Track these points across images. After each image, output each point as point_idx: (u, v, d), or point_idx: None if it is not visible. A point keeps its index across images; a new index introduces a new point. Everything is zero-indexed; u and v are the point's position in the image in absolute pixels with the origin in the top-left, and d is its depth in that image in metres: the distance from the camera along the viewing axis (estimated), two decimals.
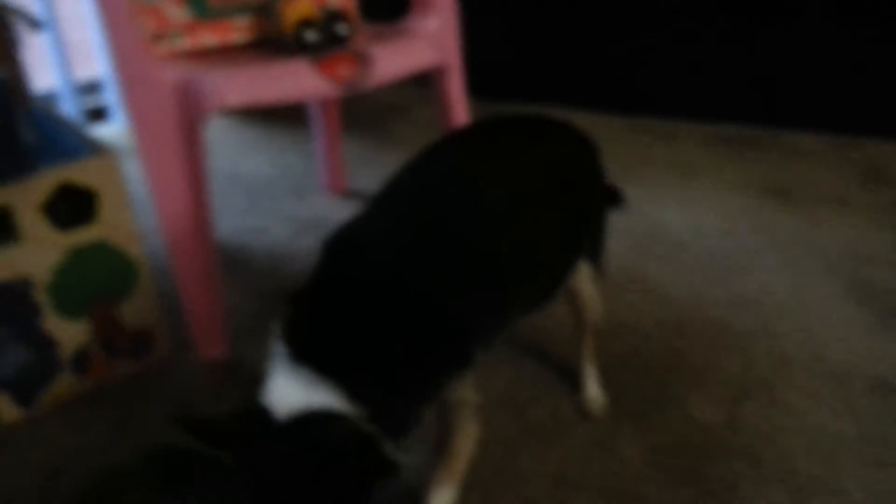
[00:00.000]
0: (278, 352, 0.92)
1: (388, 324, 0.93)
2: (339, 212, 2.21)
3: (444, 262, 1.00)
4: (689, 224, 2.14)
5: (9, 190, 1.30)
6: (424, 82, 1.78)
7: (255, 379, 1.52)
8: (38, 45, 1.61)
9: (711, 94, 2.87)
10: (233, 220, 2.18)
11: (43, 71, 2.41)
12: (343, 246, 1.02)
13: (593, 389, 1.46)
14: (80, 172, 1.37)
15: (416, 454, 1.23)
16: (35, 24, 1.41)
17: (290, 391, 0.88)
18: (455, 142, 1.24)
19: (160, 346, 1.60)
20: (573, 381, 1.50)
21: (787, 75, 2.73)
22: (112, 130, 2.76)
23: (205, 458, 1.27)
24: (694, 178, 2.45)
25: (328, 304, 0.95)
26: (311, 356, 0.90)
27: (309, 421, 0.86)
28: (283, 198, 2.34)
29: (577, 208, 1.30)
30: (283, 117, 2.89)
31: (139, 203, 1.51)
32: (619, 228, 2.07)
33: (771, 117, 2.81)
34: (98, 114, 2.81)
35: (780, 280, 1.85)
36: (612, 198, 1.45)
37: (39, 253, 1.37)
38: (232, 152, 2.62)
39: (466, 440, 1.17)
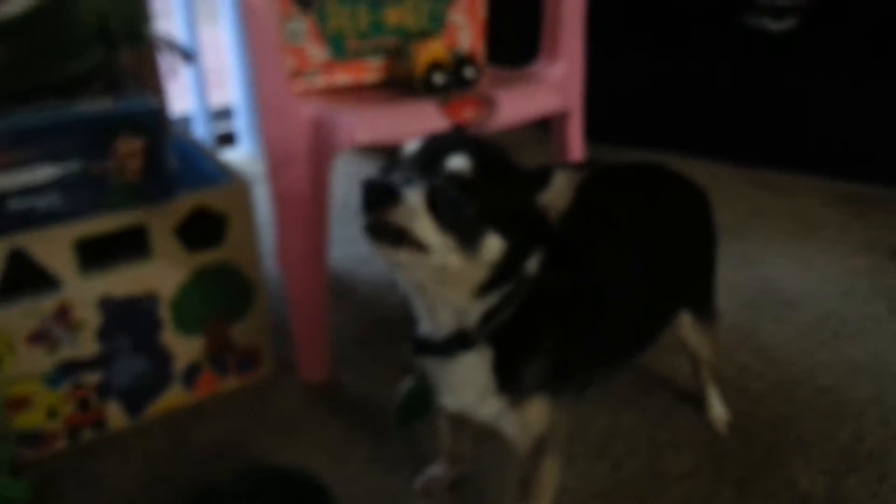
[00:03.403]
0: None
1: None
2: None
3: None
4: (805, 284, 2.06)
5: (149, 210, 1.39)
6: (541, 123, 1.79)
7: (352, 404, 1.58)
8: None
9: (834, 150, 2.77)
10: (342, 248, 2.24)
11: (179, 95, 2.55)
12: None
13: (717, 408, 1.52)
14: (213, 197, 1.46)
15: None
16: (188, 56, 1.52)
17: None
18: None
19: (266, 365, 1.66)
20: (672, 436, 1.46)
21: None
22: (240, 155, 2.90)
23: (300, 479, 1.30)
24: (812, 235, 2.36)
25: None
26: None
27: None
28: None
29: (687, 257, 1.29)
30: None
31: (260, 226, 1.58)
32: (732, 284, 2.01)
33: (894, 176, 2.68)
34: (227, 139, 2.96)
35: None
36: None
37: (168, 271, 1.45)
38: (349, 182, 2.70)
39: (550, 479, 1.16)
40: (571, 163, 1.69)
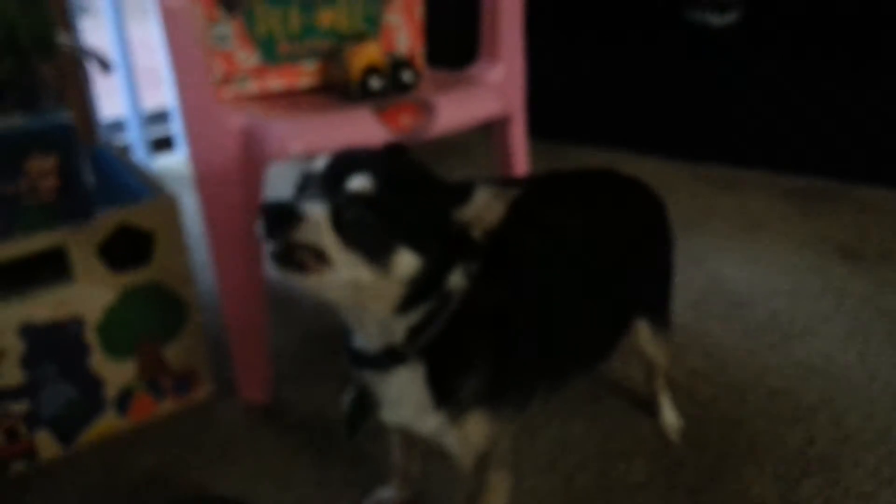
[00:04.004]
0: None
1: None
2: None
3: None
4: (753, 282, 2.06)
5: (67, 231, 1.31)
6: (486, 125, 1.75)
7: (296, 425, 1.52)
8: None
9: (779, 144, 2.78)
10: None
11: (111, 98, 2.45)
12: None
13: (669, 415, 1.50)
14: (138, 215, 1.38)
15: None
16: (106, 66, 1.43)
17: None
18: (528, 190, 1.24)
19: (204, 387, 1.59)
20: (623, 445, 1.44)
21: (860, 127, 2.63)
22: (177, 160, 2.80)
23: None
24: (759, 232, 2.36)
25: None
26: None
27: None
28: None
29: (640, 265, 1.27)
30: None
31: (192, 238, 1.51)
32: (680, 283, 1.99)
33: (842, 170, 2.70)
34: (164, 143, 2.86)
35: (847, 347, 1.75)
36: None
37: (93, 293, 1.37)
38: (284, 189, 2.64)
39: (499, 496, 1.14)
40: (507, 178, 1.67)
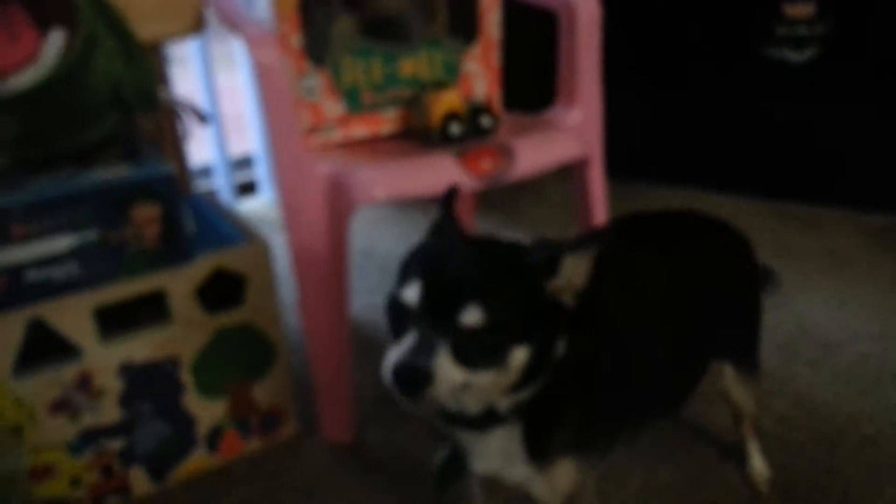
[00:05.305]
0: None
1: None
2: None
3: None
4: (840, 324, 2.00)
5: (167, 274, 1.37)
6: None
7: (379, 465, 1.54)
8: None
9: (862, 181, 2.71)
10: (364, 297, 2.22)
11: (199, 145, 2.56)
12: None
13: (758, 463, 1.47)
14: (232, 259, 1.44)
15: None
16: (202, 118, 1.51)
17: None
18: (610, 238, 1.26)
19: (289, 426, 1.62)
20: (710, 494, 1.41)
21: None
22: (261, 203, 2.90)
23: None
24: (844, 272, 2.29)
25: None
26: None
27: None
28: None
29: (725, 309, 1.26)
30: None
31: (280, 278, 1.56)
32: (765, 327, 1.94)
33: None
34: (249, 187, 2.96)
35: None
36: (765, 278, 1.42)
37: (189, 334, 1.43)
38: (368, 228, 2.69)
39: None
40: (588, 230, 1.67)
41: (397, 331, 0.90)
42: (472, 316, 0.85)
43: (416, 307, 0.88)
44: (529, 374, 0.91)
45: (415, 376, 0.84)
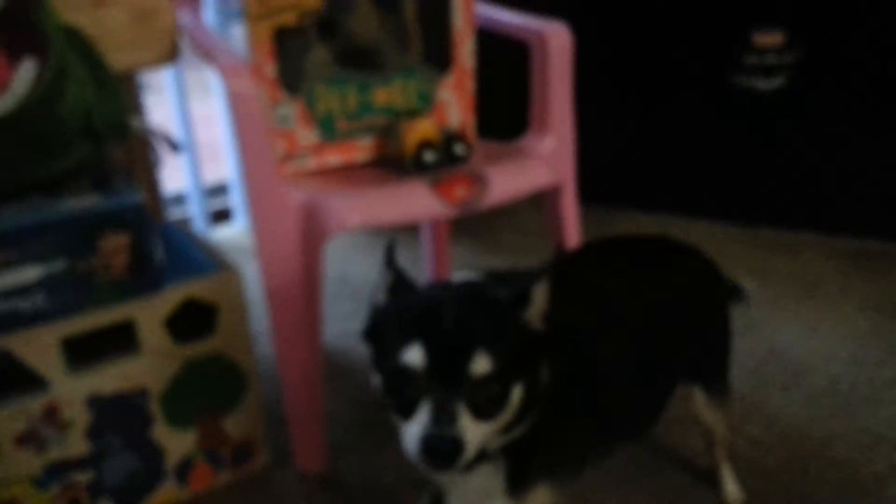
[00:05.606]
0: None
1: None
2: None
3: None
4: (813, 348, 2.01)
5: (136, 304, 1.36)
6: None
7: (352, 495, 1.53)
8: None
9: (833, 205, 2.75)
10: (337, 324, 2.21)
11: (171, 173, 2.55)
12: None
13: (731, 488, 1.48)
14: (203, 287, 1.43)
15: None
16: (174, 146, 1.51)
17: None
18: (582, 258, 1.29)
19: (260, 457, 1.60)
20: None
21: None
22: (235, 231, 2.89)
23: None
24: (816, 295, 2.32)
25: None
26: None
27: None
28: None
29: (694, 333, 1.27)
30: None
31: (253, 305, 1.55)
32: (737, 350, 1.96)
33: None
34: (223, 214, 2.95)
35: None
36: (731, 294, 1.43)
37: (158, 364, 1.41)
38: (342, 256, 2.68)
39: None
40: (558, 252, 1.68)
41: (401, 398, 0.88)
42: (481, 364, 0.84)
43: (421, 369, 0.85)
44: (524, 408, 0.91)
45: (446, 448, 0.83)
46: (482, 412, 0.85)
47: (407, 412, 0.87)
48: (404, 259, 1.00)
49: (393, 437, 1.60)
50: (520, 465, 1.00)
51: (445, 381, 0.84)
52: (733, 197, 2.92)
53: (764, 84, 2.72)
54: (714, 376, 1.37)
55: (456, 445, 0.82)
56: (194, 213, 2.81)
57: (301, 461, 1.59)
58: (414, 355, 0.85)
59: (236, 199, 2.92)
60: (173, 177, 2.56)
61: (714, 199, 2.94)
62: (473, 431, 0.84)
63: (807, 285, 2.39)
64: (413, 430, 0.85)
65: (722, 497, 1.46)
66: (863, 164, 2.66)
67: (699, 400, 1.35)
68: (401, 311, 0.94)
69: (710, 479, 1.49)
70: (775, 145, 2.80)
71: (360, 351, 2.01)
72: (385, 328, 0.94)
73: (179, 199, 2.80)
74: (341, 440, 1.68)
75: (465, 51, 1.72)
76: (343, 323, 2.20)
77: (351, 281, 2.51)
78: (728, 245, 2.72)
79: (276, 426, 1.65)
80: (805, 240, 2.73)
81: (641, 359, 1.15)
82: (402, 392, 0.87)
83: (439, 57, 1.70)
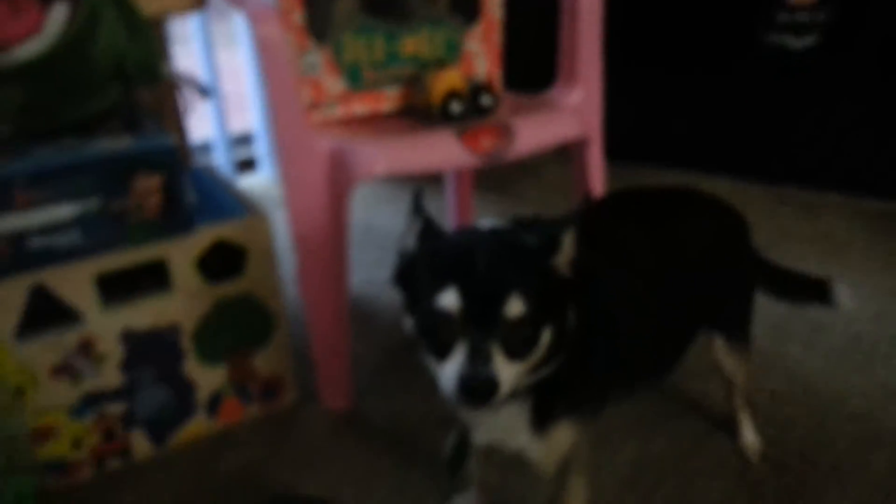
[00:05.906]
0: None
1: None
2: None
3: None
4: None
5: (168, 244, 1.39)
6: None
7: (377, 433, 1.57)
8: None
9: (858, 167, 2.72)
10: (364, 272, 2.24)
11: (199, 122, 2.57)
12: None
13: (749, 435, 1.49)
14: (233, 230, 1.46)
15: None
16: (204, 91, 1.52)
17: None
18: (607, 207, 1.29)
19: (288, 394, 1.65)
20: (702, 465, 1.44)
21: None
22: (260, 180, 2.92)
23: None
24: (839, 255, 2.31)
25: None
26: None
27: None
28: None
29: (716, 280, 1.29)
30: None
31: (280, 252, 1.58)
32: (759, 306, 1.98)
33: None
34: (248, 164, 2.98)
35: None
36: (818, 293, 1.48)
37: (190, 303, 1.45)
38: (367, 205, 2.71)
39: (577, 500, 1.19)
40: (585, 199, 1.69)
41: (436, 340, 0.90)
42: (515, 308, 0.86)
43: (457, 312, 0.87)
44: (552, 350, 0.94)
45: (482, 387, 0.85)
46: (515, 353, 0.88)
47: (442, 353, 0.89)
48: (429, 210, 1.02)
49: (418, 379, 1.66)
50: (544, 403, 1.03)
51: (480, 323, 0.87)
52: (759, 156, 2.90)
53: (795, 42, 2.68)
54: (735, 325, 1.39)
55: (491, 384, 0.85)
56: (220, 161, 2.84)
57: (327, 399, 1.64)
58: (449, 299, 0.87)
59: (261, 149, 2.94)
60: (200, 125, 2.59)
61: (739, 158, 2.92)
62: (507, 371, 0.87)
63: (831, 245, 2.38)
64: (450, 370, 0.87)
65: (740, 444, 1.49)
66: (890, 125, 2.62)
67: (720, 348, 1.37)
68: (433, 256, 0.96)
69: (729, 428, 1.51)
70: (803, 105, 2.76)
71: (386, 298, 2.08)
72: (418, 273, 0.95)
73: (205, 148, 2.83)
74: (367, 382, 1.72)
75: (494, 1, 1.72)
76: (368, 270, 2.24)
77: (376, 230, 2.53)
78: (753, 204, 2.71)
79: (303, 368, 1.69)
80: (829, 200, 2.71)
81: (663, 306, 1.16)
82: (438, 334, 0.90)
83: (467, 7, 1.70)
